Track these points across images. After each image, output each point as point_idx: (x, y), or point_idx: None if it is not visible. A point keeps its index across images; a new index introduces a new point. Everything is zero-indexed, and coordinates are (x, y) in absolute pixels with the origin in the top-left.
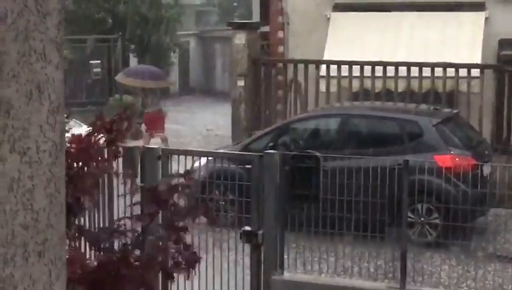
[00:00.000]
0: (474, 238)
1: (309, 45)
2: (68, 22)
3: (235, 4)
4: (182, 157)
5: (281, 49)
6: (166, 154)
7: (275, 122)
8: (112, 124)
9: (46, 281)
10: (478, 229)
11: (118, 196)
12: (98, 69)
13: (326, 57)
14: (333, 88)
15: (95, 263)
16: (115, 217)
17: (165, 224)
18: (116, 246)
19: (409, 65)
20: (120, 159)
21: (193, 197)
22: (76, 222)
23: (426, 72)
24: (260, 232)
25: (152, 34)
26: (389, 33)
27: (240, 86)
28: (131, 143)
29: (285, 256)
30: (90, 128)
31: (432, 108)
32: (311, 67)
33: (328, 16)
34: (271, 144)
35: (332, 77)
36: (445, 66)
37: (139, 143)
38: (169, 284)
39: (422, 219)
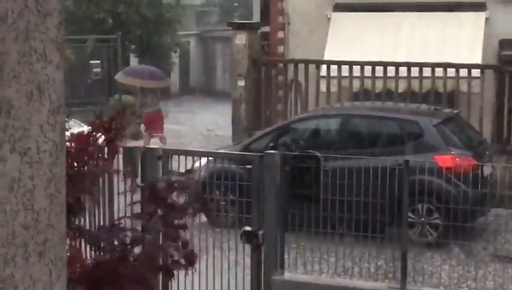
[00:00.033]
0: (475, 238)
1: (309, 45)
2: (68, 22)
3: (235, 4)
4: (182, 157)
5: (281, 49)
6: (167, 155)
7: (276, 123)
8: (110, 122)
9: (47, 281)
10: (478, 230)
11: (118, 194)
12: (98, 69)
13: (326, 57)
14: (334, 88)
15: (94, 262)
16: (115, 216)
17: (164, 222)
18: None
19: (409, 65)
20: (120, 159)
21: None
22: (77, 222)
23: (427, 72)
24: (260, 232)
25: (152, 34)
26: (390, 33)
27: (241, 86)
28: (131, 143)
29: (286, 256)
30: (90, 127)
31: (432, 108)
32: (312, 67)
33: (329, 16)
34: (271, 144)
35: (333, 77)
36: (445, 66)
37: (139, 143)
38: (169, 284)
39: (422, 219)
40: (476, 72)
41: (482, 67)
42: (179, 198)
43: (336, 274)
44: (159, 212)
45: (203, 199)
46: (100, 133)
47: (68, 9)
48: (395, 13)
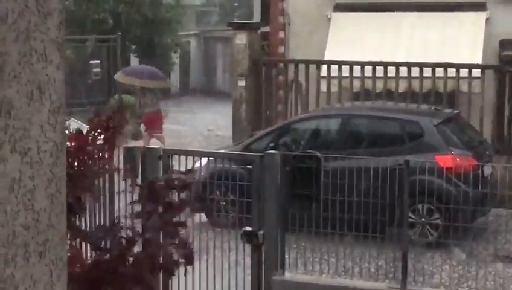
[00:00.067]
0: (475, 238)
1: (310, 45)
2: (68, 22)
3: (235, 4)
4: (182, 157)
5: (281, 49)
6: (167, 155)
7: (276, 123)
8: (108, 121)
9: (47, 281)
10: (479, 230)
11: (118, 193)
12: (98, 69)
13: (327, 57)
14: (334, 88)
15: (93, 262)
16: (115, 215)
17: (162, 219)
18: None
19: (409, 65)
20: (121, 159)
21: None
22: (77, 222)
23: (427, 72)
24: (261, 232)
25: (153, 35)
26: (390, 33)
27: (241, 86)
28: (131, 143)
29: (286, 256)
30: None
31: (432, 108)
32: (312, 67)
33: (329, 16)
34: (272, 144)
35: (333, 77)
36: (446, 66)
37: (139, 143)
38: (170, 283)
39: (423, 219)
40: (476, 72)
41: (483, 67)
42: (178, 196)
43: (336, 274)
44: (159, 210)
45: (204, 199)
46: (99, 132)
47: (68, 9)
48: (395, 13)
